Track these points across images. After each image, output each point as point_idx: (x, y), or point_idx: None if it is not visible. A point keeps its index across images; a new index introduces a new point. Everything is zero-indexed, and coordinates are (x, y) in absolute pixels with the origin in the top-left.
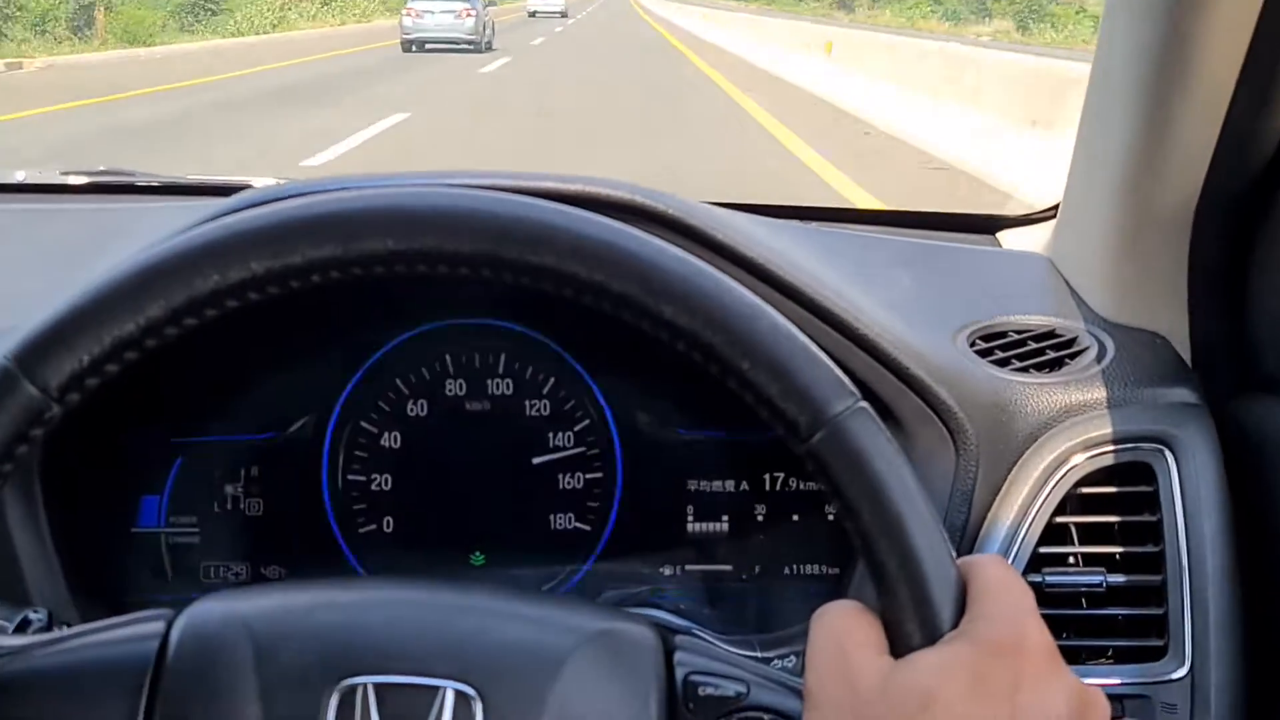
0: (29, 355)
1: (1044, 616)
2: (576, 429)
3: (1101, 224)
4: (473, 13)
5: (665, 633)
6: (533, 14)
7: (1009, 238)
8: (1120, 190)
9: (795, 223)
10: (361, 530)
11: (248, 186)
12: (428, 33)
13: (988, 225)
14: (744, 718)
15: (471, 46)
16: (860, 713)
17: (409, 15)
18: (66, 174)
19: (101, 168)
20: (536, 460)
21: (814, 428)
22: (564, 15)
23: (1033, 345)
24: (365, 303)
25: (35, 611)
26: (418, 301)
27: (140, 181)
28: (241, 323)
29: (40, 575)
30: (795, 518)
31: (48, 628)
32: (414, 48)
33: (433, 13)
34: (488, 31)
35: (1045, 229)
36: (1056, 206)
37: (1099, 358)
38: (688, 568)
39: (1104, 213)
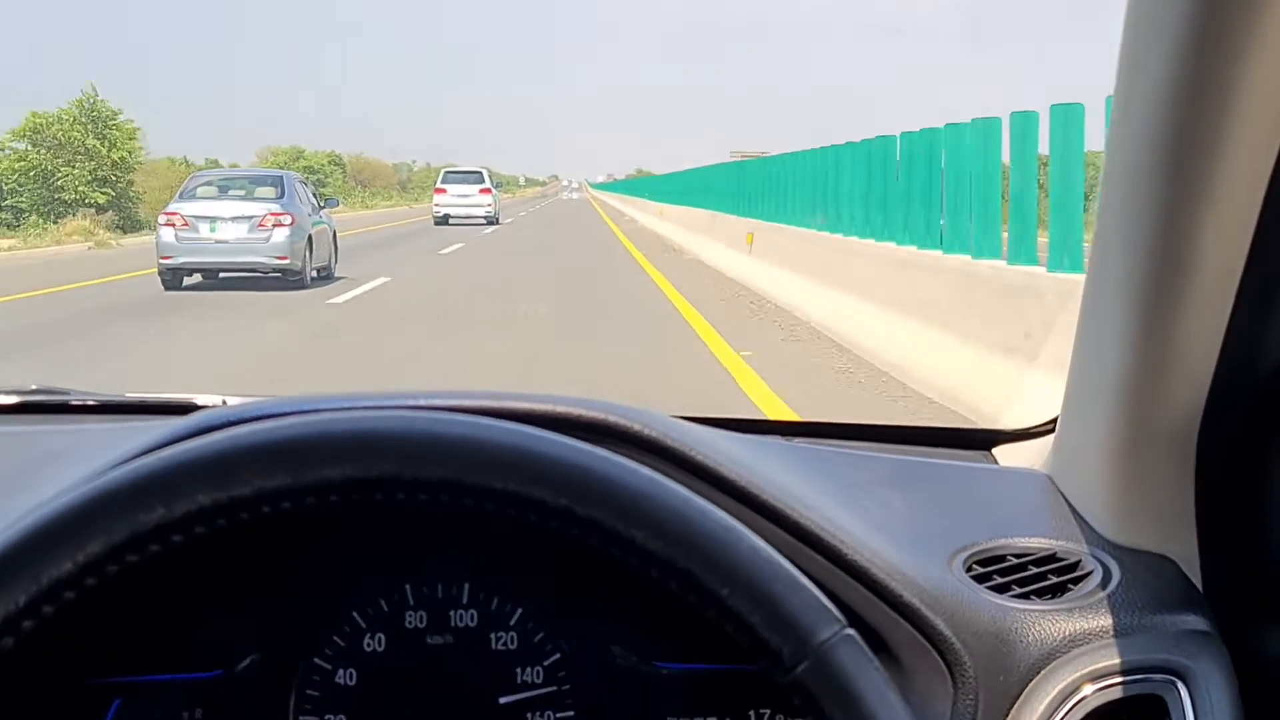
0: None
1: None
2: (546, 664)
3: (1102, 439)
4: (285, 220)
5: None
6: (442, 220)
7: (1005, 454)
8: (1120, 403)
9: (778, 439)
10: None
11: (192, 405)
12: (203, 256)
13: (983, 441)
14: None
15: (283, 276)
16: None
17: (169, 224)
18: (1, 393)
19: (33, 386)
20: (504, 699)
21: (798, 657)
22: (492, 223)
23: (1034, 570)
24: (317, 530)
25: None
26: (374, 528)
27: (75, 400)
28: (185, 552)
29: None
30: None
31: None
32: (180, 279)
33: (213, 220)
34: (319, 253)
35: (1044, 444)
36: (1055, 420)
37: (1104, 583)
38: None
39: (1104, 427)
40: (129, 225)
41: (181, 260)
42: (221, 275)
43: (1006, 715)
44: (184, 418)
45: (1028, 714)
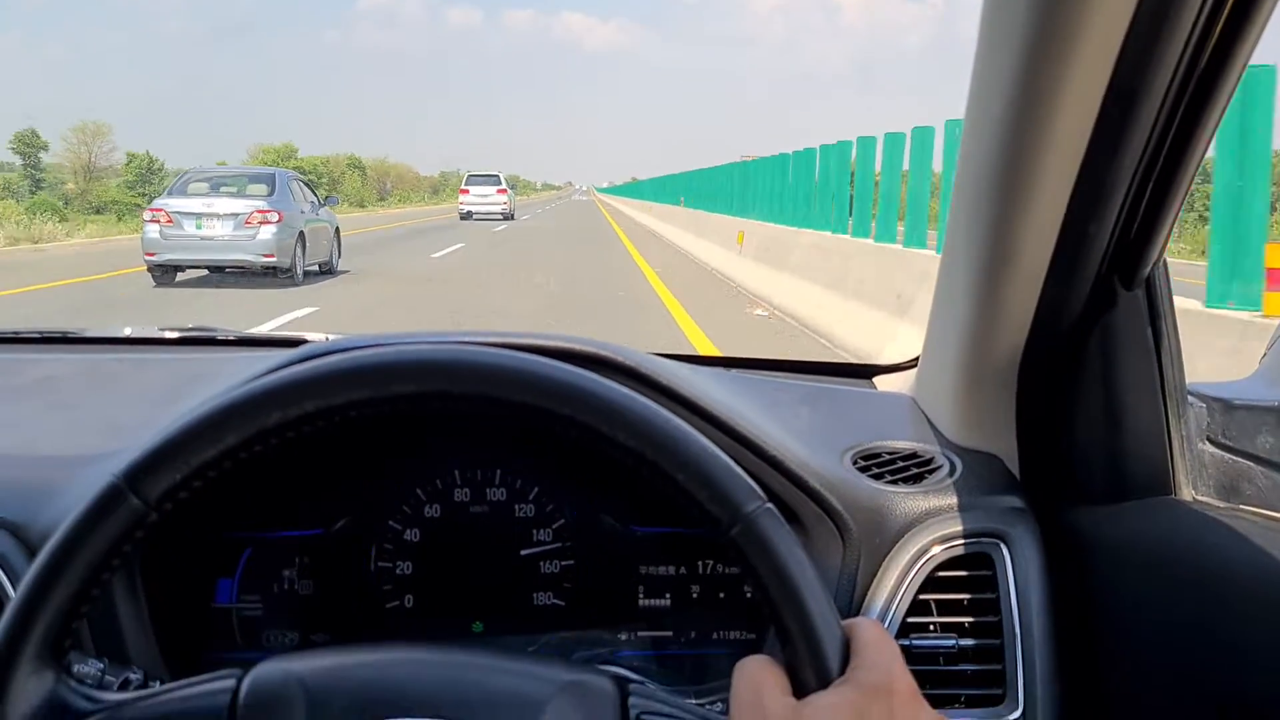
0: (133, 475)
1: (911, 673)
2: (554, 527)
3: (951, 372)
4: (272, 218)
5: (622, 683)
6: (466, 215)
7: (882, 381)
8: (964, 347)
9: (721, 369)
10: (388, 605)
11: (302, 340)
12: (188, 253)
13: (866, 372)
14: None
15: (274, 273)
16: None
17: (154, 220)
18: (164, 330)
19: (190, 325)
20: (524, 551)
21: (732, 523)
22: (508, 218)
23: (901, 464)
24: (391, 428)
25: (134, 672)
26: (432, 427)
27: (220, 336)
28: (297, 445)
29: (137, 640)
30: (722, 595)
31: (144, 685)
32: (172, 275)
33: (199, 216)
34: (316, 250)
35: (909, 375)
36: (917, 359)
37: (950, 473)
38: (639, 634)
39: (953, 364)
40: None
41: (165, 257)
42: (215, 271)
43: (880, 565)
44: (296, 349)
45: (895, 566)
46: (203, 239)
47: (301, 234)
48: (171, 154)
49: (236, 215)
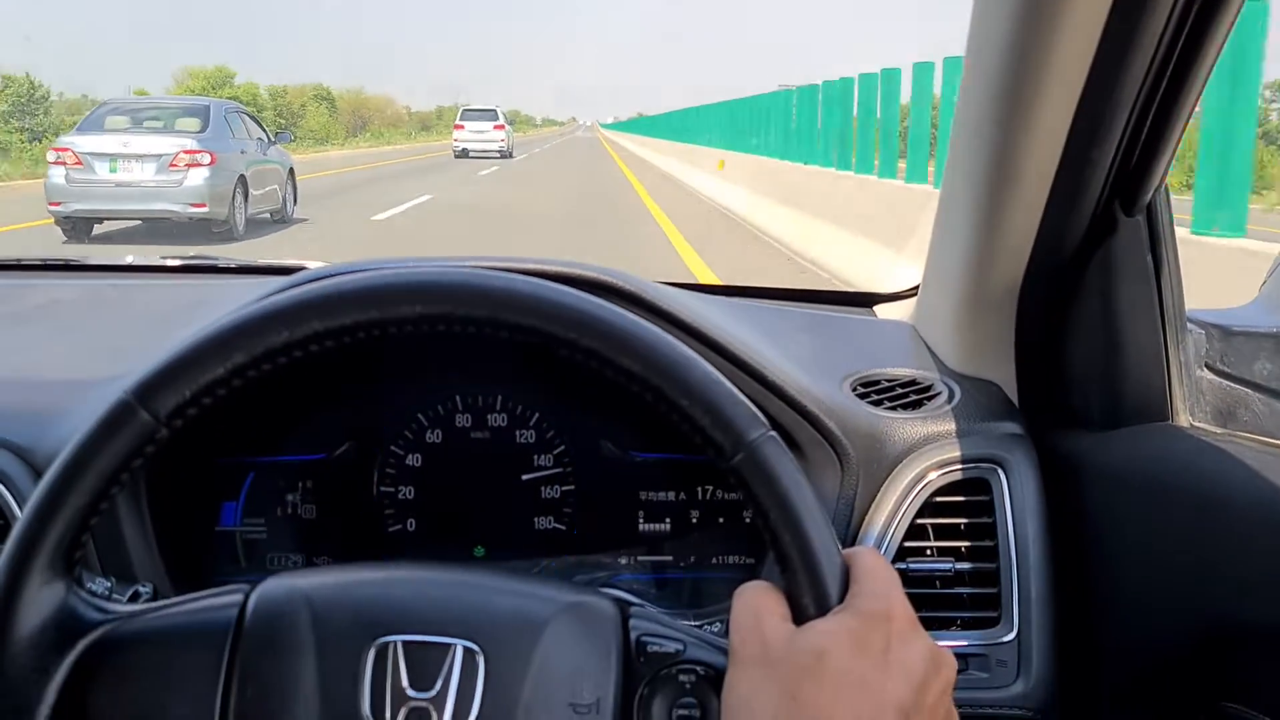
0: (144, 391)
1: (907, 595)
2: (555, 453)
3: (951, 300)
4: (203, 159)
5: (622, 605)
6: (462, 153)
7: (882, 310)
8: (964, 275)
9: (723, 297)
10: (390, 529)
11: (303, 268)
12: (99, 202)
13: (867, 300)
14: (681, 669)
15: (208, 226)
16: (770, 666)
17: (60, 161)
18: (165, 257)
19: (192, 253)
20: (525, 476)
21: (735, 450)
22: (507, 156)
23: (900, 390)
24: (394, 352)
25: (143, 586)
26: (435, 352)
27: (221, 264)
28: (301, 369)
29: (144, 563)
30: (721, 520)
31: (153, 598)
32: (87, 228)
33: (113, 158)
34: (264, 196)
35: (909, 303)
36: (917, 287)
37: (949, 400)
38: (639, 558)
39: (952, 292)
40: None
41: (74, 207)
42: (146, 223)
43: (878, 490)
44: (297, 274)
45: (893, 491)
46: (118, 185)
47: (243, 178)
48: (66, 79)
49: (160, 156)
